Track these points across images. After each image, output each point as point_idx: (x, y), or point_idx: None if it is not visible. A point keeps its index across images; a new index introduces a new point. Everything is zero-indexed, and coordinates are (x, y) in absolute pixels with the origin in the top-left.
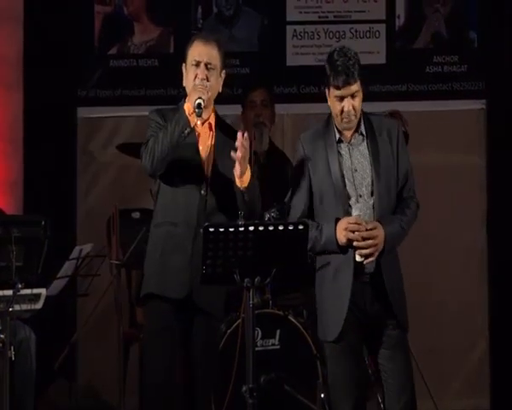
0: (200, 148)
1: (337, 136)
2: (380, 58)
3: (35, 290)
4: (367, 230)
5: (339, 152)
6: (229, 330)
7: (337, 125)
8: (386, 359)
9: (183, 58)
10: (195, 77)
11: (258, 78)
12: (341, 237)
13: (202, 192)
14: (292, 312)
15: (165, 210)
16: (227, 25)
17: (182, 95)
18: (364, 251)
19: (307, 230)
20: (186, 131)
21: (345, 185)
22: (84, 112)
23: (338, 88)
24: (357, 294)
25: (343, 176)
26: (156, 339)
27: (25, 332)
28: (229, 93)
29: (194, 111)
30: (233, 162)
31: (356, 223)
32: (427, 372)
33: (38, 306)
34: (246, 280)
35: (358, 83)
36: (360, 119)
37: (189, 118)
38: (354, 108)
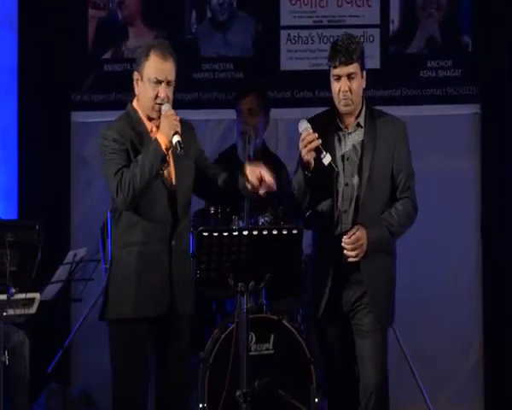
0: None
1: (336, 123)
2: (374, 63)
3: (29, 295)
4: (350, 236)
5: (335, 139)
6: (223, 335)
7: (337, 106)
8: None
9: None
10: (157, 95)
11: (252, 82)
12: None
13: (170, 203)
14: (286, 316)
15: (133, 230)
16: (221, 29)
17: (177, 99)
18: (350, 253)
19: (301, 234)
20: (163, 167)
21: (333, 172)
22: (77, 116)
23: (335, 67)
24: (337, 280)
25: (335, 163)
26: (127, 355)
27: (18, 337)
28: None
29: (176, 149)
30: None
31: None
32: (421, 378)
33: (32, 310)
34: (240, 285)
35: (357, 66)
36: (361, 109)
37: (165, 153)
38: (351, 90)
